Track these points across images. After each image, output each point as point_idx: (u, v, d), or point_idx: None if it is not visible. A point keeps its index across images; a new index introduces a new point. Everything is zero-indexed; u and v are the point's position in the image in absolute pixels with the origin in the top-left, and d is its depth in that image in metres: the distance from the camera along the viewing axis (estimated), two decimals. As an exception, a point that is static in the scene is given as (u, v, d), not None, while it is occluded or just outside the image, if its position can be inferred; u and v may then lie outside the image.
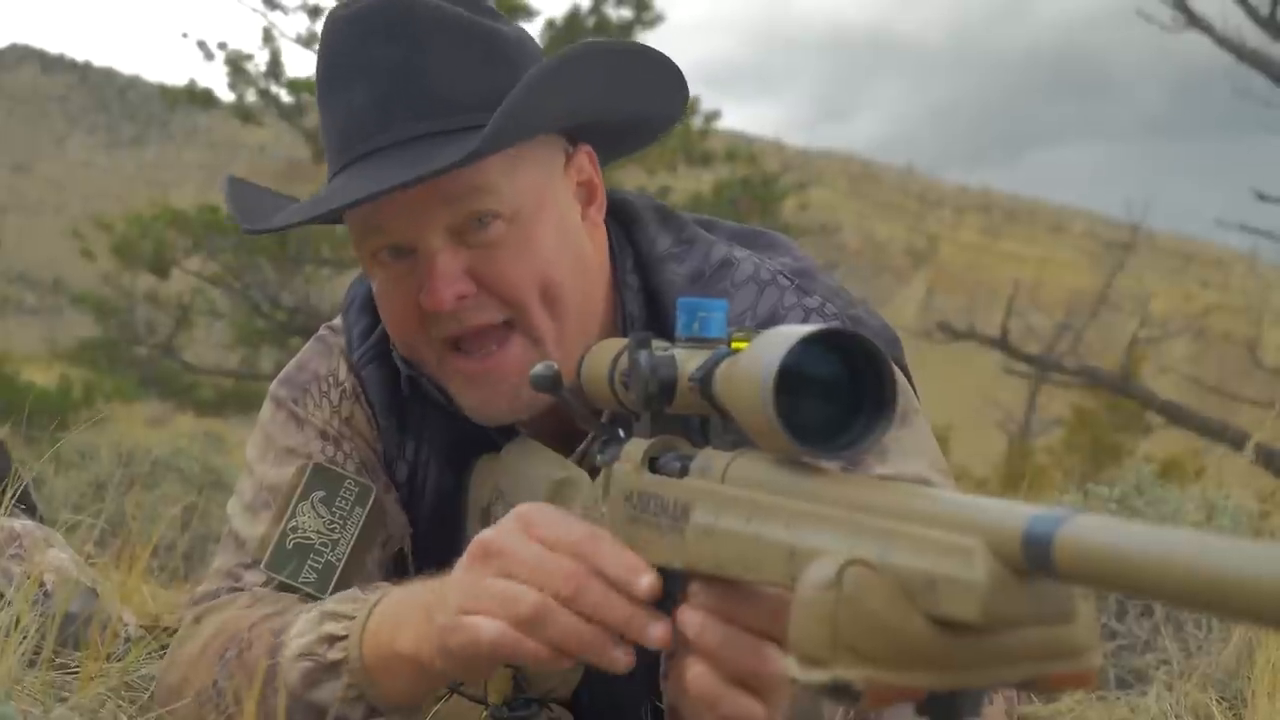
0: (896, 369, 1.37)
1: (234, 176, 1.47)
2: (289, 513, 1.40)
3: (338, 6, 1.35)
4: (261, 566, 1.38)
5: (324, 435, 1.46)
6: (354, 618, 1.21)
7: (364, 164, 1.29)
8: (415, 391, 1.45)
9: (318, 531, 1.39)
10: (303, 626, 1.24)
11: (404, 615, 1.16)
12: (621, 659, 0.98)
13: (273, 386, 1.53)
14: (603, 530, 1.01)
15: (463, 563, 1.07)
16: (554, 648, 0.99)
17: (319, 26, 14.52)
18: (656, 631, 0.96)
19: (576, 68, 1.30)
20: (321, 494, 1.41)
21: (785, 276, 1.44)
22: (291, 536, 1.38)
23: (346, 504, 1.41)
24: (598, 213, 1.41)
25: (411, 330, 1.34)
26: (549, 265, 1.32)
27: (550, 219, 1.33)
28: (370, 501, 1.42)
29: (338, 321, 1.55)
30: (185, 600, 1.45)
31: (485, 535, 1.05)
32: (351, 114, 1.31)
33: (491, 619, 1.01)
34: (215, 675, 1.28)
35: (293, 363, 1.54)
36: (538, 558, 1.00)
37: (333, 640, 1.21)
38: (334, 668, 1.20)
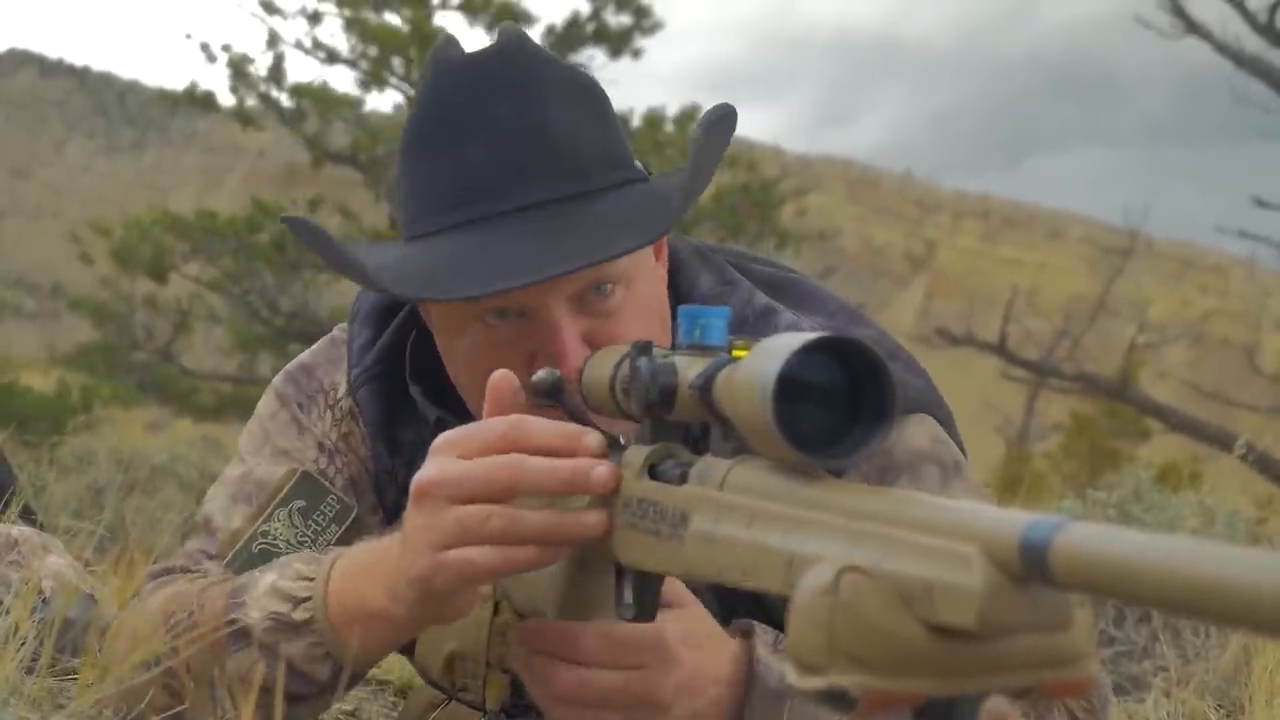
0: (934, 420, 1.38)
1: (298, 219, 1.38)
2: (265, 516, 1.38)
3: (442, 52, 1.31)
4: (223, 564, 1.37)
5: (321, 447, 1.45)
6: (314, 578, 1.20)
7: (496, 228, 1.25)
8: (412, 416, 1.43)
9: (287, 541, 1.38)
10: (263, 589, 1.23)
11: (370, 573, 1.15)
12: (592, 520, 0.99)
13: (278, 381, 1.51)
14: (522, 415, 1.03)
15: (410, 510, 1.06)
16: (537, 543, 1.01)
17: (319, 32, 14.58)
18: (600, 472, 0.98)
19: (726, 141, 1.33)
20: (302, 504, 1.39)
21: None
22: (259, 541, 1.37)
23: (324, 520, 1.40)
24: (662, 265, 1.40)
25: None
26: (649, 327, 1.30)
27: (650, 280, 1.33)
28: (348, 521, 1.40)
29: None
30: (145, 573, 1.44)
31: (418, 476, 1.05)
32: (470, 171, 1.27)
33: (476, 547, 1.01)
34: (163, 643, 1.25)
35: (302, 361, 1.52)
36: (473, 470, 1.01)
37: (296, 601, 1.20)
38: (299, 627, 1.19)
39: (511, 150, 1.26)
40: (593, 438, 1.01)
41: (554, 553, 1.02)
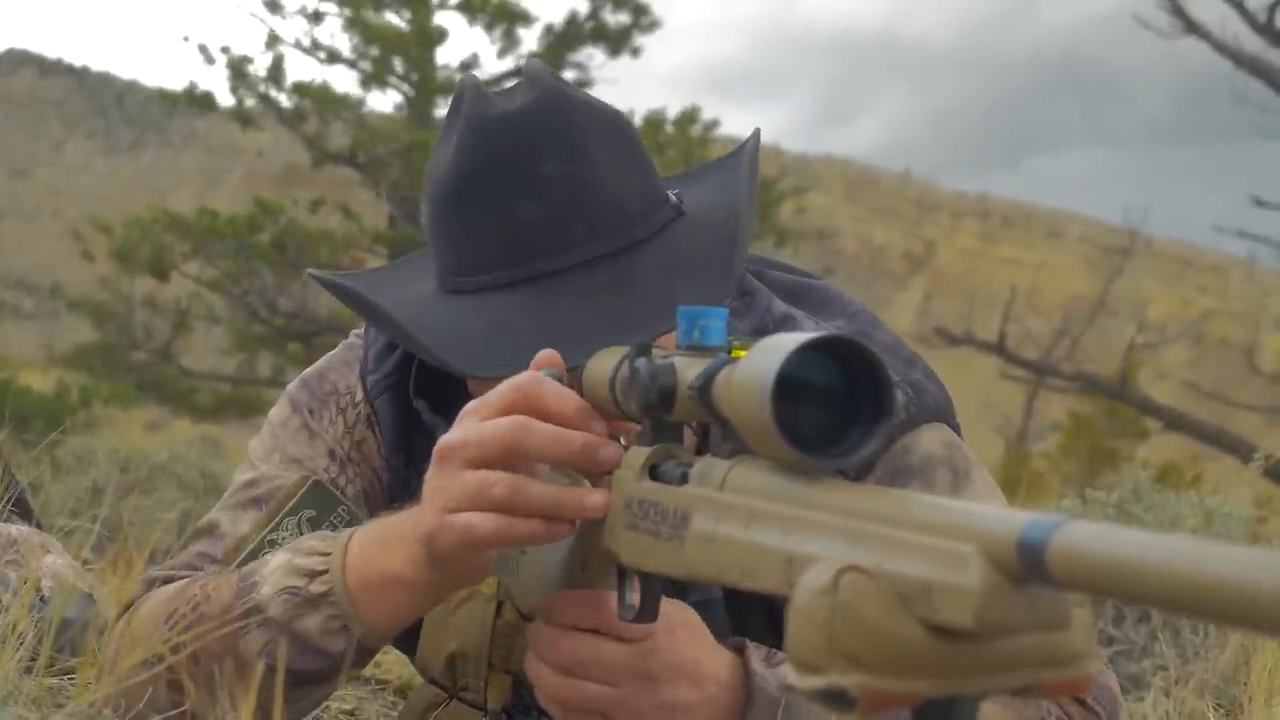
0: (949, 428, 1.37)
1: (340, 285, 1.36)
2: (273, 524, 1.37)
3: (474, 105, 1.30)
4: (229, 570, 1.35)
5: (332, 455, 1.43)
6: (330, 553, 1.20)
7: (548, 288, 1.25)
8: (423, 426, 1.42)
9: None
10: (275, 567, 1.23)
11: (388, 540, 1.15)
12: (594, 501, 1.00)
13: (292, 387, 1.50)
14: (541, 375, 1.04)
15: (429, 471, 1.07)
16: (541, 516, 1.01)
17: (319, 32, 14.58)
18: (608, 452, 1.00)
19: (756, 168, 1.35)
20: (311, 514, 1.38)
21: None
22: (266, 550, 1.34)
23: (332, 530, 1.38)
24: None
25: None
26: None
27: None
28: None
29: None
30: (140, 579, 1.41)
31: (441, 439, 1.06)
32: (517, 229, 1.26)
33: (481, 513, 1.02)
34: (165, 634, 1.24)
35: (317, 366, 1.51)
36: (484, 430, 1.02)
37: (313, 574, 1.20)
38: (316, 601, 1.19)
39: (559, 207, 1.26)
40: (601, 422, 1.02)
41: (554, 529, 1.02)
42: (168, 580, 1.37)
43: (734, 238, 1.28)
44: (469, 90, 1.31)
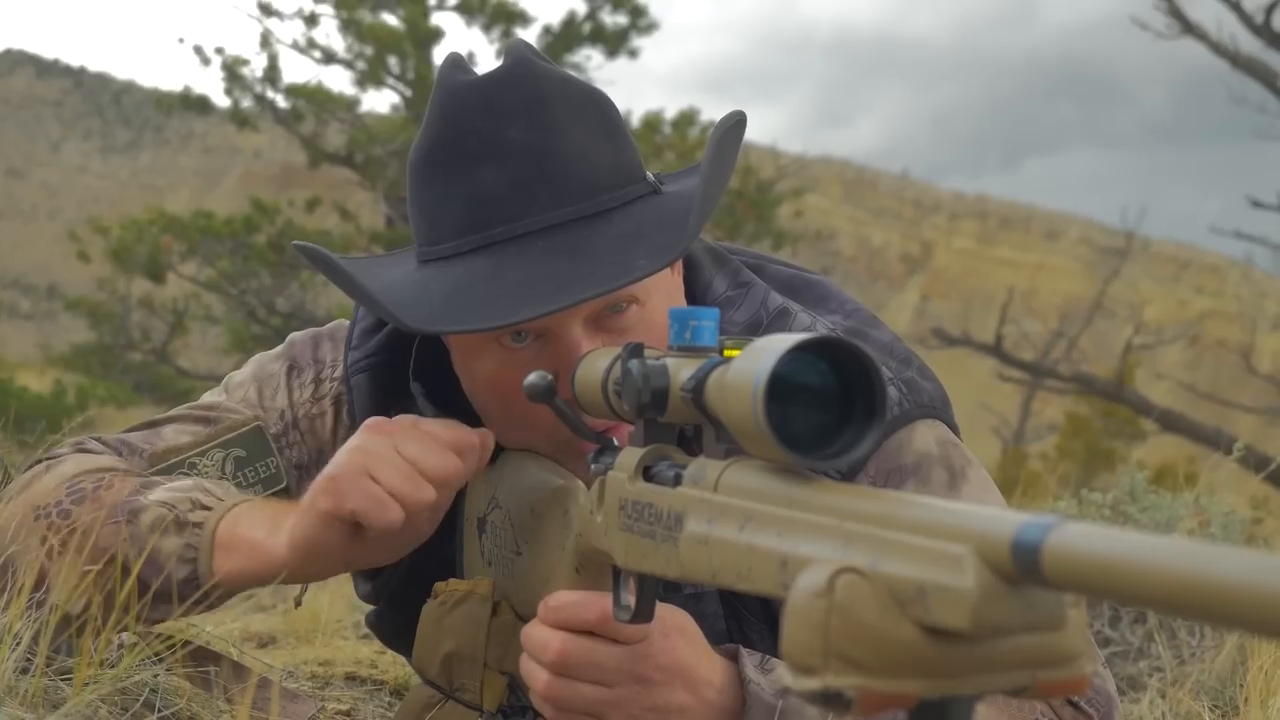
0: (944, 424, 1.37)
1: (309, 247, 1.36)
2: (202, 449, 1.41)
3: (449, 74, 1.31)
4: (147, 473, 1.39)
5: (282, 415, 1.46)
6: (224, 500, 1.29)
7: (509, 252, 1.25)
8: (407, 410, 1.42)
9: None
10: (174, 486, 1.31)
11: (270, 516, 1.25)
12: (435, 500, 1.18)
13: (298, 335, 1.54)
14: (420, 420, 1.21)
15: None
16: (395, 498, 1.15)
17: (315, 33, 14.57)
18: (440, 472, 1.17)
19: (737, 150, 1.35)
20: (241, 454, 1.41)
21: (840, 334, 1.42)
22: (184, 470, 1.40)
23: (253, 477, 1.42)
24: (678, 274, 1.39)
25: (529, 412, 1.26)
26: (664, 340, 1.31)
27: (665, 293, 1.32)
28: (273, 491, 1.43)
29: None
30: (70, 441, 1.48)
31: None
32: (482, 195, 1.26)
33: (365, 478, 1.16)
34: (61, 496, 1.31)
35: (321, 330, 1.53)
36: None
37: (198, 506, 1.27)
38: (183, 526, 1.26)
39: (522, 173, 1.26)
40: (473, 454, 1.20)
41: (410, 516, 1.16)
42: (98, 443, 1.44)
43: (690, 204, 1.27)
44: (447, 64, 1.33)
